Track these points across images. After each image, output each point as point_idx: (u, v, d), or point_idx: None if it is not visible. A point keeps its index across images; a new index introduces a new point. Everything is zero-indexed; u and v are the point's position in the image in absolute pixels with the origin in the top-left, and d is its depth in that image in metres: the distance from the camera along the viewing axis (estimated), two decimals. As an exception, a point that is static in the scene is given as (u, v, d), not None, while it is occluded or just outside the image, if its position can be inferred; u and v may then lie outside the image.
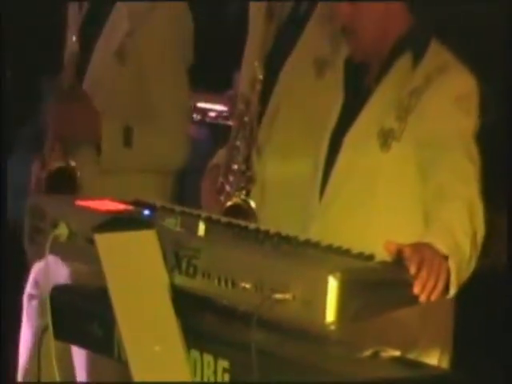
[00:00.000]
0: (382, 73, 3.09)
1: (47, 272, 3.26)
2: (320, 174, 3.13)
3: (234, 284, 2.56)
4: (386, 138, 2.99)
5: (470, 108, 3.02)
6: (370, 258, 2.63)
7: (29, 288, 3.74)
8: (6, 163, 4.60)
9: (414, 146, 2.97)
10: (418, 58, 3.05)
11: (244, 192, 3.37)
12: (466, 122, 2.99)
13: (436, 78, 3.00)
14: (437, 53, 3.10)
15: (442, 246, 2.66)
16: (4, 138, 4.21)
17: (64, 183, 3.69)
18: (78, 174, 3.69)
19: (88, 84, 3.82)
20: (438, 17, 3.47)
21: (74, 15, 3.86)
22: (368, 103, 3.08)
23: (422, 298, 2.57)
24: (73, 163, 3.70)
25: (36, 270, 3.49)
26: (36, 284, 3.53)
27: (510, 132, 4.33)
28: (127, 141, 3.72)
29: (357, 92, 3.15)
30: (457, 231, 2.75)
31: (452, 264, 2.66)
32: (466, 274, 2.78)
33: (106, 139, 3.70)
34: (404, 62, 3.06)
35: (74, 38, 3.82)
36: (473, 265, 2.81)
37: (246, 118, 3.42)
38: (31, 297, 3.71)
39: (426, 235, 2.73)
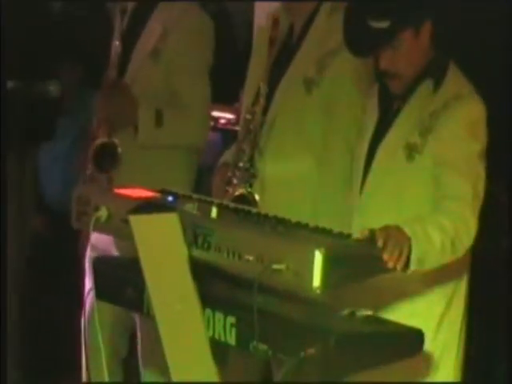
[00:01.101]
0: (407, 96, 3.03)
1: (94, 245, 3.24)
2: (360, 174, 3.09)
3: (239, 256, 2.57)
4: (411, 151, 2.96)
5: (479, 133, 2.96)
6: (348, 236, 2.65)
7: (89, 251, 3.65)
8: (5, 163, 4.17)
9: (431, 160, 2.93)
10: (437, 84, 2.99)
11: (248, 185, 3.35)
12: (475, 145, 2.92)
13: (452, 104, 2.94)
14: (454, 79, 3.03)
15: (407, 230, 2.65)
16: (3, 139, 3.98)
17: (107, 156, 3.67)
18: (119, 149, 3.66)
19: (128, 78, 3.79)
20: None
21: (118, 23, 3.83)
22: (396, 121, 3.03)
23: (390, 265, 2.58)
24: (115, 140, 3.66)
25: (93, 237, 3.50)
26: (93, 247, 3.52)
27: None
28: (158, 122, 3.68)
29: (388, 111, 3.09)
30: (429, 226, 2.73)
31: (414, 243, 2.65)
32: (435, 261, 2.77)
33: (141, 121, 3.67)
34: (426, 87, 3.00)
35: (118, 42, 3.79)
36: (446, 258, 2.79)
37: (251, 126, 3.40)
38: (87, 247, 3.63)
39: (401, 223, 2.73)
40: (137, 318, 3.71)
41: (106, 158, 3.67)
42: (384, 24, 2.87)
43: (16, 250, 4.14)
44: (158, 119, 3.68)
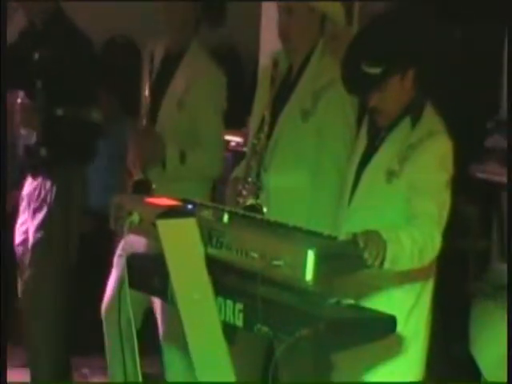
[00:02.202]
0: (390, 129, 2.99)
1: (128, 243, 3.22)
2: (349, 190, 3.05)
3: (246, 254, 2.56)
4: (390, 176, 2.92)
5: (446, 165, 2.92)
6: (335, 238, 2.65)
7: (119, 250, 3.70)
8: (5, 167, 4.10)
9: (406, 184, 2.89)
10: (415, 121, 2.96)
11: (256, 196, 3.34)
12: (443, 176, 2.90)
13: (426, 140, 2.90)
14: (428, 118, 2.99)
15: (384, 235, 2.65)
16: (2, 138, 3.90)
17: (143, 189, 3.65)
18: (153, 185, 3.66)
19: (159, 124, 3.78)
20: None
21: (146, 71, 3.83)
22: (380, 150, 3.00)
23: (369, 263, 2.58)
24: (148, 177, 3.68)
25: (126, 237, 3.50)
26: (123, 248, 3.52)
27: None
28: (182, 160, 3.69)
29: (374, 140, 3.05)
30: (402, 234, 2.72)
31: (388, 246, 2.65)
32: (405, 265, 2.76)
33: (168, 159, 3.67)
34: (406, 123, 2.96)
35: (147, 93, 3.79)
36: (414, 264, 2.78)
37: (257, 148, 3.40)
38: (120, 255, 3.63)
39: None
40: (156, 301, 3.69)
41: (142, 190, 3.62)
42: (376, 70, 2.85)
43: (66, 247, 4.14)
44: (182, 158, 3.68)
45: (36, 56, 4.00)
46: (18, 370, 4.42)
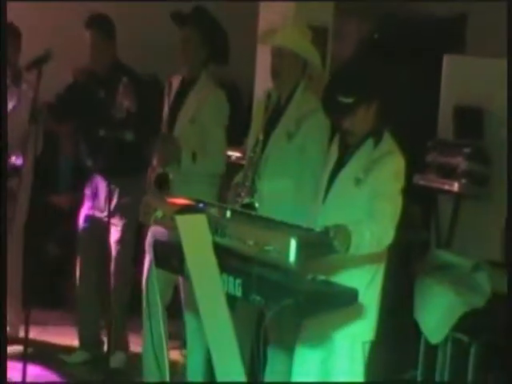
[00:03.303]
0: (357, 147, 2.98)
1: (154, 233, 3.30)
2: (323, 193, 3.03)
3: (244, 242, 2.59)
4: (357, 182, 2.92)
5: (401, 178, 2.92)
6: (312, 230, 2.66)
7: (148, 238, 3.71)
8: (6, 163, 3.82)
9: (369, 190, 2.89)
10: (376, 142, 2.95)
11: (251, 197, 3.35)
12: (397, 185, 2.91)
13: (384, 157, 2.91)
14: (386, 141, 2.97)
15: (349, 228, 2.68)
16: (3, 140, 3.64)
17: (163, 181, 3.66)
18: (171, 176, 3.68)
19: (176, 133, 3.77)
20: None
21: (167, 95, 3.83)
22: (349, 163, 2.99)
23: (338, 249, 2.61)
24: (167, 171, 3.69)
25: (151, 230, 3.52)
26: (151, 236, 3.57)
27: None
28: (194, 159, 3.68)
29: (344, 154, 3.03)
30: (363, 228, 2.74)
31: (353, 236, 2.67)
32: (365, 250, 2.77)
33: (183, 159, 3.66)
34: (369, 143, 2.95)
35: (167, 110, 3.82)
36: (372, 249, 2.79)
37: (253, 161, 3.43)
38: (149, 243, 3.65)
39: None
40: (180, 279, 3.71)
41: (162, 182, 3.67)
42: (349, 100, 2.87)
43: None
44: (194, 158, 3.68)
45: (101, 94, 4.03)
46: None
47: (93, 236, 4.23)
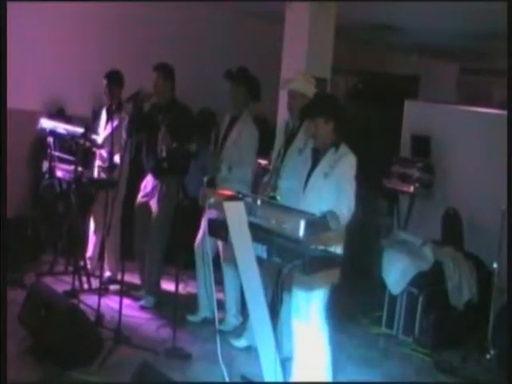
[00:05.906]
0: (324, 153, 2.90)
1: (207, 213, 3.08)
2: (303, 185, 2.92)
3: (268, 221, 2.52)
4: (325, 176, 2.85)
5: (354, 169, 2.82)
6: (312, 214, 2.56)
7: (204, 216, 3.58)
8: (6, 164, 3.17)
9: (334, 181, 2.81)
10: (336, 149, 2.88)
11: (274, 192, 3.24)
12: (352, 174, 2.81)
13: (342, 157, 2.84)
14: (343, 148, 2.88)
15: (336, 213, 2.59)
16: (3, 140, 3.01)
17: (211, 182, 3.62)
18: (216, 181, 3.64)
19: (224, 152, 3.72)
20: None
21: (222, 127, 3.79)
22: (320, 162, 2.90)
23: (332, 228, 2.53)
24: (214, 176, 3.65)
25: (206, 211, 3.43)
26: (205, 215, 3.47)
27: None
28: (230, 170, 3.63)
29: (318, 157, 2.93)
30: (342, 206, 2.66)
31: (340, 217, 2.59)
32: (344, 221, 2.65)
33: (222, 169, 3.63)
34: (332, 151, 2.89)
35: (220, 136, 3.77)
36: (347, 219, 2.65)
37: (276, 167, 3.34)
38: (204, 219, 3.53)
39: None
40: (220, 244, 3.62)
41: (212, 184, 3.62)
42: (313, 112, 2.88)
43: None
44: (230, 169, 3.65)
45: (163, 119, 3.90)
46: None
47: (142, 211, 4.03)
